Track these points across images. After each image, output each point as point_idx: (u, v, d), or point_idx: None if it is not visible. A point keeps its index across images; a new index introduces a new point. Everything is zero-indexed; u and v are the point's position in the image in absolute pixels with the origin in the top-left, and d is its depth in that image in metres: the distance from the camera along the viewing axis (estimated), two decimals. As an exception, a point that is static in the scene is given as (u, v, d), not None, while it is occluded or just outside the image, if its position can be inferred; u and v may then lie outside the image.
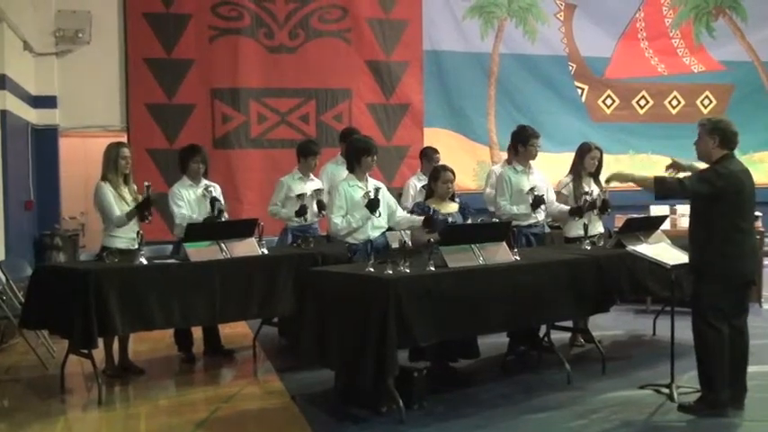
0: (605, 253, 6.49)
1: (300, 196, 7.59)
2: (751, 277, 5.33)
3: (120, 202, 6.54)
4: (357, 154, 6.71)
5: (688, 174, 5.48)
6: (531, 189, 7.22)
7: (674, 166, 5.68)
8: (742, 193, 5.21)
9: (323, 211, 7.56)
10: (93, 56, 11.25)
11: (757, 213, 8.97)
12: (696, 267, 5.33)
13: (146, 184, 6.56)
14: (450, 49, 12.89)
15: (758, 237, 8.78)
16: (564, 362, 6.15)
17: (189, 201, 6.97)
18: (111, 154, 6.62)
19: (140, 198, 6.61)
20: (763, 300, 9.05)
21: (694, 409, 5.23)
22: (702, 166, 5.40)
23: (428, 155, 8.67)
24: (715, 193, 5.17)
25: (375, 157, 6.78)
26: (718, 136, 5.26)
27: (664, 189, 5.37)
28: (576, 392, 5.83)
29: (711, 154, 5.28)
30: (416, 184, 8.31)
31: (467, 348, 6.34)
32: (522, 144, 7.44)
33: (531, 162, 7.47)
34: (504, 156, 7.76)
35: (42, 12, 10.99)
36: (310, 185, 7.76)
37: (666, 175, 5.59)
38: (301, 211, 7.55)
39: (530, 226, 7.38)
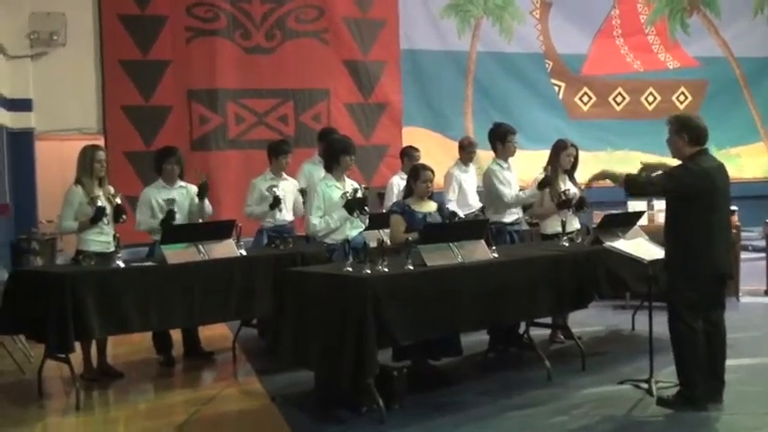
0: (583, 249, 6.51)
1: (271, 187, 7.56)
2: (724, 273, 5.32)
3: (85, 207, 6.47)
4: (335, 154, 6.69)
5: (659, 172, 5.50)
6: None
7: (646, 168, 5.69)
8: (713, 190, 5.20)
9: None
10: (68, 58, 11.16)
11: (733, 208, 9.10)
12: (669, 264, 5.35)
13: (111, 193, 6.61)
14: (427, 48, 12.93)
15: (734, 231, 8.90)
16: (544, 358, 6.17)
17: (160, 205, 6.92)
18: (86, 157, 6.57)
19: (113, 201, 6.58)
20: (741, 294, 9.12)
21: (673, 404, 5.25)
22: (675, 162, 5.42)
23: (409, 153, 8.73)
24: (684, 191, 5.19)
25: (353, 157, 6.77)
26: (686, 134, 5.28)
27: (634, 187, 5.49)
28: (557, 389, 5.85)
29: (683, 152, 5.30)
30: (399, 182, 8.30)
31: (449, 346, 6.33)
32: (500, 141, 7.48)
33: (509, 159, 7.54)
34: (491, 154, 7.75)
35: (16, 14, 10.88)
36: (284, 185, 7.73)
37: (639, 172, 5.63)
38: (275, 203, 7.52)
39: (512, 224, 7.41)
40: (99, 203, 6.45)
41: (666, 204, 5.44)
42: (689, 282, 5.18)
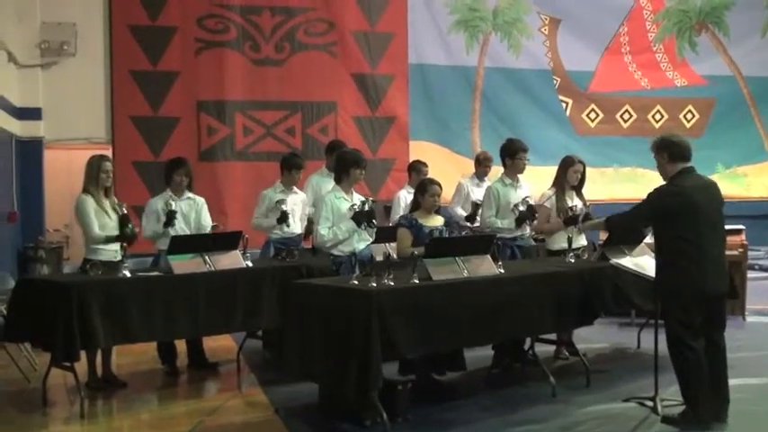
0: (589, 266, 6.50)
1: (279, 202, 7.58)
2: (717, 292, 5.25)
3: (101, 215, 6.50)
4: (346, 166, 6.71)
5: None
6: (516, 205, 7.24)
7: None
8: (692, 209, 5.13)
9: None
10: (78, 68, 11.24)
11: (740, 227, 9.10)
12: (660, 286, 5.35)
13: (120, 204, 6.63)
14: (435, 63, 12.98)
15: (741, 250, 8.90)
16: (548, 375, 6.15)
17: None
18: (93, 167, 6.58)
19: (119, 211, 6.59)
20: (747, 313, 9.09)
21: (678, 422, 5.23)
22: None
23: (417, 168, 8.72)
24: (661, 213, 5.19)
25: (363, 171, 6.78)
26: (665, 152, 5.28)
27: (615, 226, 5.58)
28: (561, 405, 5.83)
29: (667, 171, 5.31)
30: (406, 196, 8.31)
31: (453, 361, 6.33)
32: (509, 157, 7.49)
33: (519, 176, 7.52)
34: (500, 169, 7.78)
35: (27, 23, 10.96)
36: (293, 198, 7.75)
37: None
38: (282, 218, 7.54)
39: (515, 238, 7.40)
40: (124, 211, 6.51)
41: (652, 227, 5.45)
42: (683, 303, 5.15)
